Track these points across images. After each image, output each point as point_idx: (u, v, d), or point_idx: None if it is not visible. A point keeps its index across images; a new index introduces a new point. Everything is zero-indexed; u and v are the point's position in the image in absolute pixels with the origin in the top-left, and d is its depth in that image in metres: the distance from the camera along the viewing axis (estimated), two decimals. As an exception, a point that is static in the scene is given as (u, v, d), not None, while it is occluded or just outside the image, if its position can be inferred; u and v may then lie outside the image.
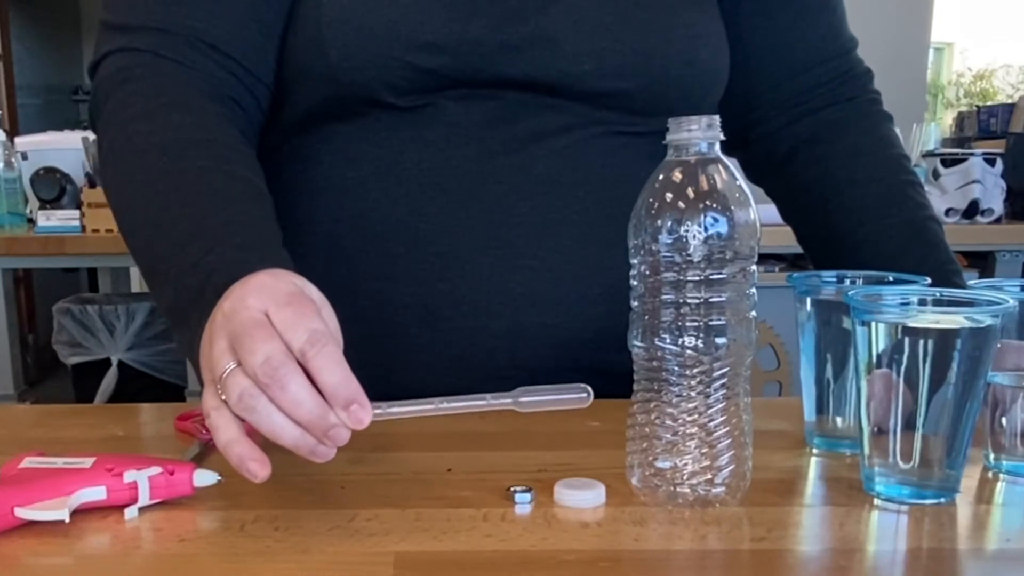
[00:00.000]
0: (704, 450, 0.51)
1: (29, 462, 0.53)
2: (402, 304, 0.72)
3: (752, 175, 0.90)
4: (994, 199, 2.25)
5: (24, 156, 2.37)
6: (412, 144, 0.72)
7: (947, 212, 2.24)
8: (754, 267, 0.51)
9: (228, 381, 0.47)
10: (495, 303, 0.72)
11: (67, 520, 0.48)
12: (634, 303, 0.52)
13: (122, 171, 0.67)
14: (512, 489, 0.53)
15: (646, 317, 0.51)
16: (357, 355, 0.76)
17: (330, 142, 0.74)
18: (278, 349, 0.46)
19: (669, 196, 0.49)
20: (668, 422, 0.51)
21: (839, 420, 0.61)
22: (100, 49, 0.71)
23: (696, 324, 0.50)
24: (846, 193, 0.81)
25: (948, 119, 5.68)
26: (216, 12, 0.69)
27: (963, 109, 4.65)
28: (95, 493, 0.50)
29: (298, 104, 0.74)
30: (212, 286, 0.54)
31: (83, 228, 2.23)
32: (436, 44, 0.69)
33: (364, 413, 0.47)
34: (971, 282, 0.63)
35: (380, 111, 0.71)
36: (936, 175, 2.27)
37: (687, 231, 0.49)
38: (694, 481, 0.51)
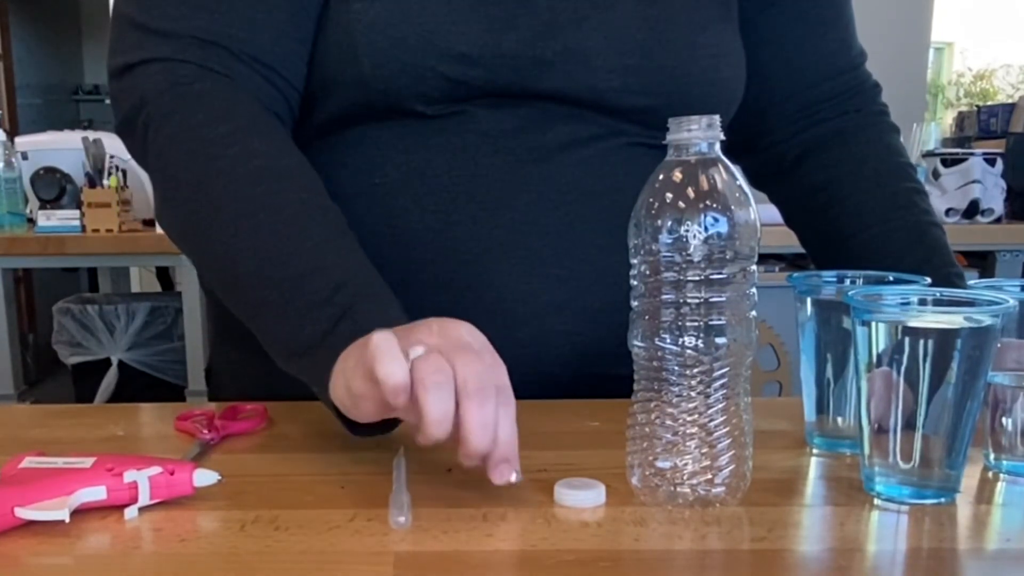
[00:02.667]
0: (704, 450, 0.51)
1: (29, 462, 0.53)
2: (427, 310, 0.72)
3: (758, 181, 0.91)
4: (994, 199, 2.25)
5: (24, 156, 2.37)
6: (440, 150, 0.71)
7: (947, 212, 2.24)
8: (754, 267, 0.51)
9: (431, 357, 0.49)
10: (521, 311, 0.72)
11: (67, 520, 0.48)
12: (634, 303, 0.52)
13: (208, 197, 0.64)
14: None
15: (646, 317, 0.51)
16: None
17: (357, 146, 0.73)
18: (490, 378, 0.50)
19: (669, 196, 0.49)
20: (668, 422, 0.51)
21: (839, 420, 0.61)
22: (133, 52, 0.67)
23: (696, 324, 0.50)
24: (851, 198, 0.82)
25: (948, 119, 5.67)
26: (258, 21, 0.68)
27: (963, 109, 4.64)
28: (95, 493, 0.50)
29: (327, 108, 0.73)
30: (350, 321, 0.56)
31: (83, 228, 2.23)
32: (469, 56, 0.69)
33: (507, 473, 0.50)
34: (971, 282, 0.63)
35: (409, 118, 0.71)
36: (936, 175, 2.27)
37: (687, 231, 0.49)
38: (694, 481, 0.51)
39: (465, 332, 0.52)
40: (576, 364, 0.75)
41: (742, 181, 0.51)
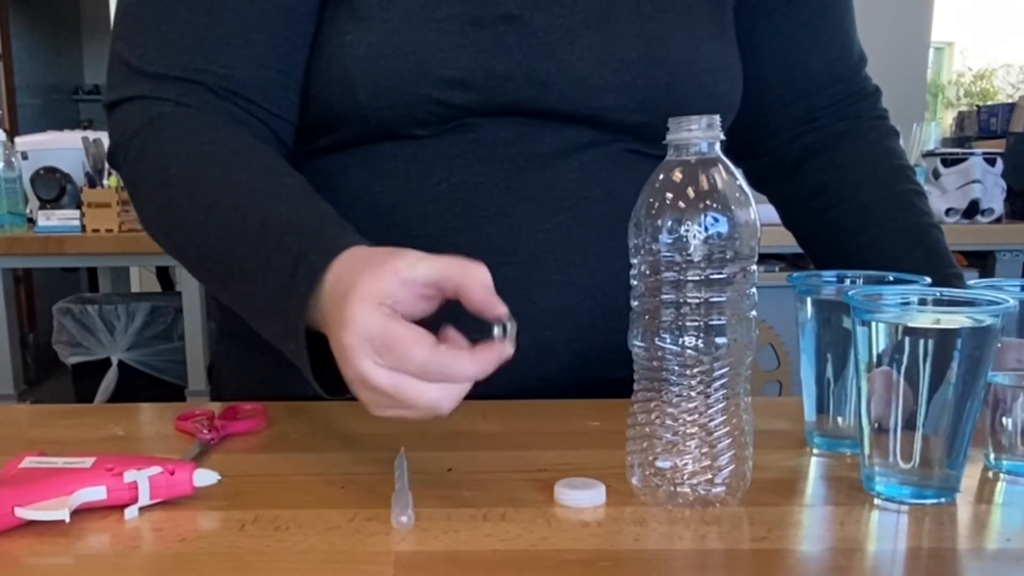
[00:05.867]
0: (704, 450, 0.51)
1: (29, 462, 0.53)
2: (429, 317, 0.72)
3: (758, 184, 0.91)
4: (994, 199, 2.25)
5: (24, 156, 2.37)
6: (439, 159, 0.72)
7: (947, 212, 2.24)
8: (754, 267, 0.51)
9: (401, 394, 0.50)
10: (520, 317, 0.72)
11: (67, 520, 0.48)
12: (634, 303, 0.52)
13: (171, 189, 0.66)
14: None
15: (646, 317, 0.51)
16: None
17: (356, 157, 0.73)
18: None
19: (669, 196, 0.49)
20: (668, 422, 0.51)
21: (839, 420, 0.61)
22: (119, 89, 0.70)
23: (696, 324, 0.50)
24: (850, 199, 0.83)
25: (948, 119, 5.68)
26: (238, 56, 0.68)
27: (963, 109, 4.64)
28: (95, 493, 0.50)
29: (323, 134, 0.73)
30: (306, 267, 0.55)
31: (83, 228, 2.23)
32: (464, 81, 0.69)
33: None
34: (971, 282, 0.63)
35: (407, 137, 0.72)
36: (936, 175, 2.27)
37: (687, 231, 0.49)
38: (694, 481, 0.51)
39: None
40: (575, 369, 0.75)
41: (742, 181, 0.51)
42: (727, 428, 0.51)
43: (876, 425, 0.52)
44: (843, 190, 0.83)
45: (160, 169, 0.67)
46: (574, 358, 0.74)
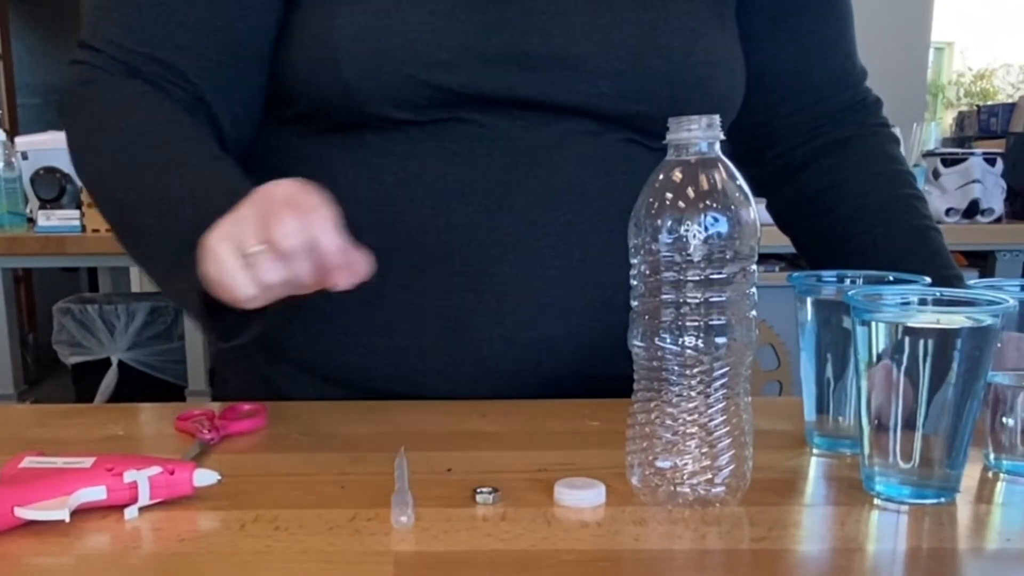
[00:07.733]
0: (704, 450, 0.51)
1: (29, 462, 0.53)
2: (430, 314, 0.72)
3: (760, 189, 0.91)
4: (994, 199, 2.25)
5: (24, 156, 2.37)
6: (436, 153, 0.71)
7: (947, 212, 2.23)
8: (754, 267, 0.51)
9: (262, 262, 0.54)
10: (522, 313, 0.72)
11: (67, 520, 0.48)
12: (634, 303, 0.52)
13: (98, 153, 0.71)
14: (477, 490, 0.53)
15: (646, 317, 0.51)
16: (386, 364, 0.76)
17: (351, 150, 0.73)
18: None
19: (669, 196, 0.49)
20: (668, 422, 0.51)
21: (839, 420, 0.61)
22: (72, 65, 0.73)
23: (696, 324, 0.50)
24: (851, 202, 0.83)
25: (948, 119, 5.68)
26: (179, 38, 0.69)
27: (963, 109, 4.64)
28: (95, 493, 0.50)
29: (311, 117, 0.73)
30: (207, 214, 0.58)
31: (83, 228, 2.23)
32: (453, 63, 0.68)
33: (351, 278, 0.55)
34: (971, 282, 0.63)
35: (404, 124, 0.71)
36: (936, 175, 2.27)
37: (687, 231, 0.49)
38: (694, 481, 0.51)
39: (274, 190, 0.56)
40: (577, 364, 0.75)
41: (742, 181, 0.51)
42: (727, 428, 0.51)
43: (876, 423, 0.52)
44: (846, 193, 0.84)
45: (89, 132, 0.72)
46: (575, 353, 0.74)
